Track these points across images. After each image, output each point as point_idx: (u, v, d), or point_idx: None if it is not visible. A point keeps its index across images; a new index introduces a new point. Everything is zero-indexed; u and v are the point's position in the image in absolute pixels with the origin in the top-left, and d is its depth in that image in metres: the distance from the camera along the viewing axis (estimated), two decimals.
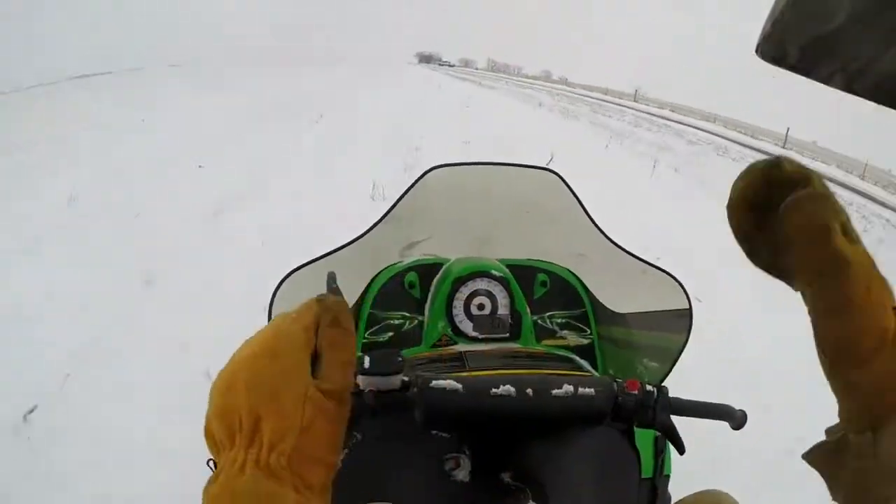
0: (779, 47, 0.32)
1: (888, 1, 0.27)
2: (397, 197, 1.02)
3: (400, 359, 0.64)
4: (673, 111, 33.77)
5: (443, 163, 1.05)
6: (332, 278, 0.88)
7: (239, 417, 0.38)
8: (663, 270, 1.00)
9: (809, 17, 0.30)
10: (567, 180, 1.07)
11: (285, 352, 0.40)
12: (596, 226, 1.06)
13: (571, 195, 1.06)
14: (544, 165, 1.11)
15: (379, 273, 1.06)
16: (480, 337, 0.95)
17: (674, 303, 0.99)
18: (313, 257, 0.93)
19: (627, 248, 1.04)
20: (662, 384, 0.70)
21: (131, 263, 3.03)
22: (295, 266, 0.91)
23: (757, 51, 0.32)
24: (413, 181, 1.02)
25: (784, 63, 0.32)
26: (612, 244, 1.05)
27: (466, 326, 0.95)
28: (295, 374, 0.40)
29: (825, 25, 0.29)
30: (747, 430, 0.70)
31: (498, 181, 1.15)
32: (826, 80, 0.32)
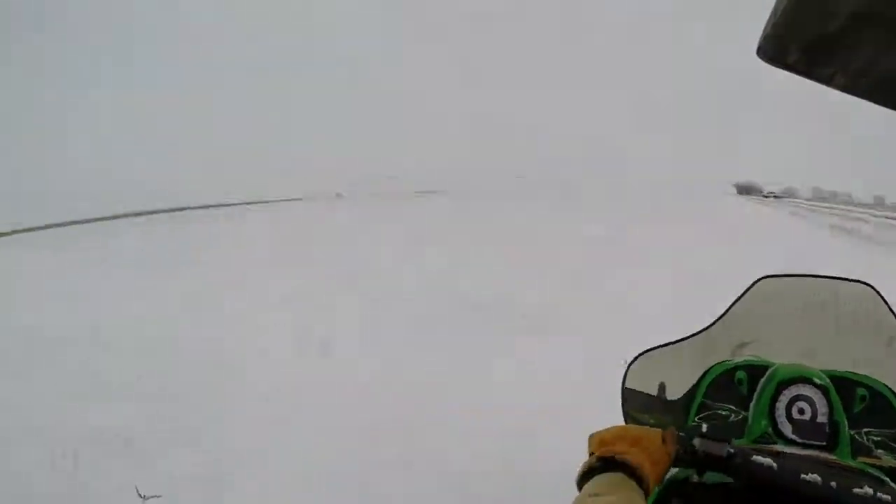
0: (780, 48, 0.32)
1: (888, 1, 0.27)
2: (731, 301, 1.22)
3: (730, 434, 0.81)
4: None
5: (771, 273, 1.23)
6: (661, 388, 1.17)
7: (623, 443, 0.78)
8: None
9: (810, 17, 0.30)
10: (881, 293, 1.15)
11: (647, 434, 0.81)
12: None
13: (888, 309, 1.15)
14: (858, 279, 1.20)
15: (712, 367, 1.20)
16: (798, 441, 1.00)
17: None
18: (658, 344, 1.19)
19: None
20: None
21: None
22: (643, 349, 1.18)
23: (758, 52, 0.33)
24: (746, 288, 1.21)
25: (784, 64, 0.32)
26: None
27: (786, 429, 1.01)
28: (652, 437, 0.80)
29: (825, 26, 0.30)
30: None
31: (817, 291, 1.27)
32: (826, 81, 0.31)
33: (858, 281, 1.19)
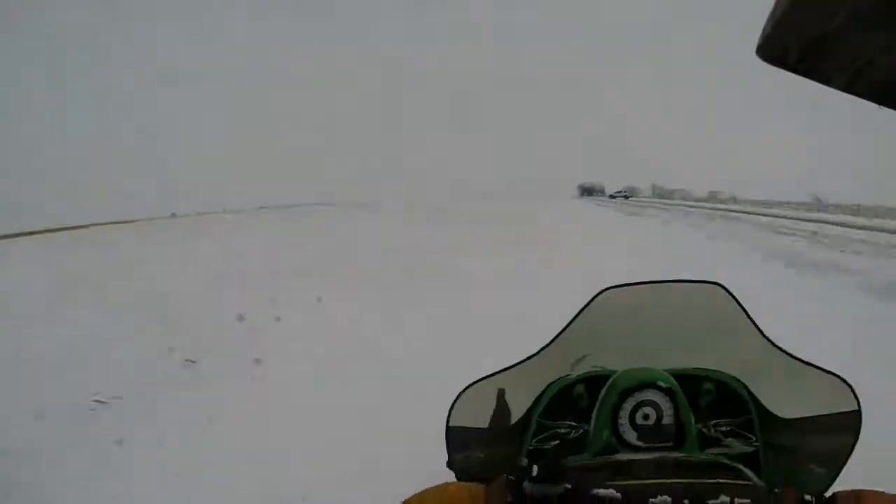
0: (779, 48, 0.32)
1: (888, 1, 0.28)
2: (570, 318, 1.15)
3: (563, 468, 0.73)
4: None
5: (614, 284, 1.16)
6: (501, 394, 1.07)
7: None
8: (831, 373, 1.02)
9: (809, 17, 0.30)
10: (732, 291, 1.14)
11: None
12: (762, 334, 1.10)
13: (737, 305, 1.13)
14: (709, 279, 1.17)
15: (549, 386, 1.15)
16: (644, 446, 0.97)
17: (842, 405, 1.02)
18: (489, 373, 1.08)
19: (795, 355, 1.08)
20: (824, 493, 0.75)
21: None
22: (471, 381, 1.07)
23: (757, 51, 0.33)
24: (586, 302, 1.15)
25: (784, 63, 0.32)
26: (779, 350, 1.08)
27: (631, 436, 0.98)
28: (475, 495, 0.74)
29: (825, 26, 0.30)
30: None
31: (665, 297, 1.25)
32: (826, 81, 0.32)
33: (706, 282, 1.17)
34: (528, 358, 1.09)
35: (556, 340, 1.12)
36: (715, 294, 1.14)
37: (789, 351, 1.08)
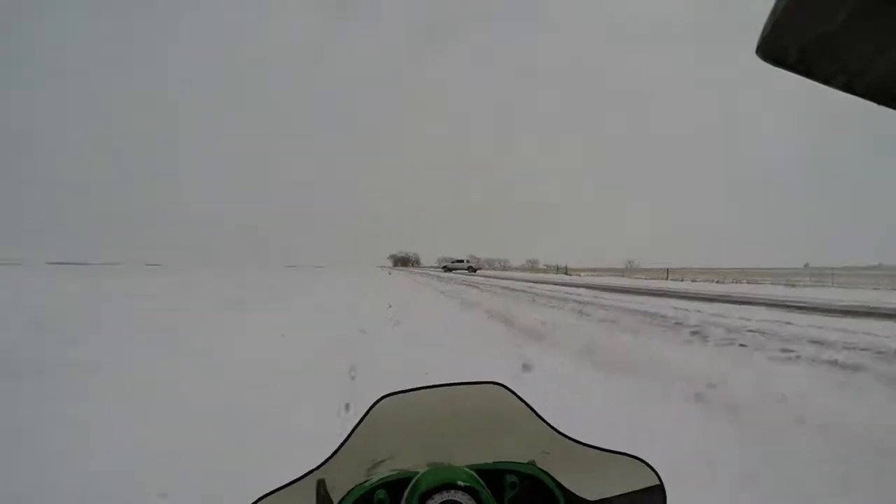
0: (779, 48, 0.31)
1: (888, 1, 0.28)
2: (352, 427, 1.12)
3: None
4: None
5: (391, 391, 1.15)
6: (321, 484, 1.04)
7: None
8: (628, 454, 1.08)
9: (809, 17, 0.30)
10: (513, 389, 1.17)
11: None
12: (550, 426, 1.14)
13: (520, 401, 1.17)
14: (489, 380, 1.20)
15: (347, 494, 1.09)
16: None
17: (644, 482, 1.07)
18: (275, 487, 1.01)
19: (586, 441, 1.12)
20: None
21: None
22: (264, 493, 0.99)
23: (757, 51, 0.32)
24: (365, 411, 1.12)
25: (784, 63, 0.32)
26: (567, 439, 1.13)
27: None
28: None
29: (825, 26, 0.29)
30: None
31: (450, 398, 1.24)
32: (826, 81, 0.32)
33: (486, 382, 1.21)
34: (317, 468, 1.06)
35: (343, 449, 1.09)
36: (496, 392, 1.18)
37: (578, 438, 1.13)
